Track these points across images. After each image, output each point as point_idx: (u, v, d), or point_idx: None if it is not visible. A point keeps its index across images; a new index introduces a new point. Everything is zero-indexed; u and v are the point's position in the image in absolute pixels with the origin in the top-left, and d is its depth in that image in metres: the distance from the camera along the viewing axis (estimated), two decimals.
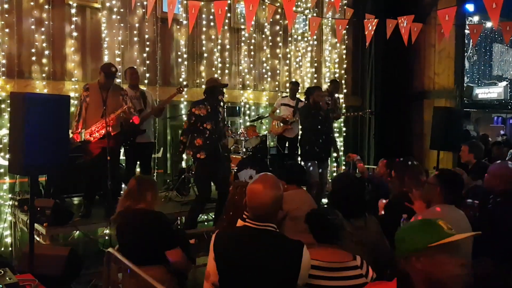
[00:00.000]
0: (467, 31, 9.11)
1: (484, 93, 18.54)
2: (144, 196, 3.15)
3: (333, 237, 2.57)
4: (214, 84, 5.39)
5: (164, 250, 3.05)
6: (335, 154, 7.33)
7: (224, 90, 7.78)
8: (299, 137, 6.92)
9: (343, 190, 3.25)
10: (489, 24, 14.62)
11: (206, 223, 6.36)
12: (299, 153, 6.97)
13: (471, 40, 13.08)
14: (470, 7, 9.15)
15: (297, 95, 7.67)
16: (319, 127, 6.29)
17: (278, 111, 7.59)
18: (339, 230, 2.60)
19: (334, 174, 8.82)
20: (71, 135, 5.14)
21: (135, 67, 6.40)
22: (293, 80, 8.26)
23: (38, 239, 4.81)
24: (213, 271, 2.29)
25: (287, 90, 8.10)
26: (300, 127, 6.97)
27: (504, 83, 18.74)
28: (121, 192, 6.33)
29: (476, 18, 15.32)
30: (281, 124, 7.40)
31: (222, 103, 5.66)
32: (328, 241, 2.56)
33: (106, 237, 5.12)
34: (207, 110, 5.21)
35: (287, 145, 7.39)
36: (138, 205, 3.13)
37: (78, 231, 5.18)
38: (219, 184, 5.46)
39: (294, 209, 3.54)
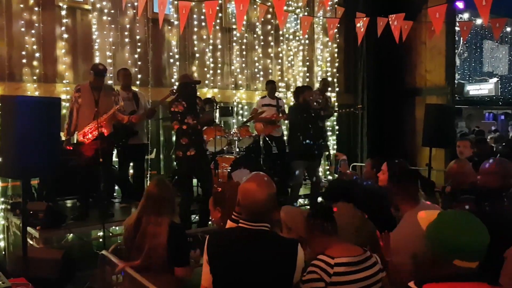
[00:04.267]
0: (457, 28, 9.15)
1: (475, 89, 18.69)
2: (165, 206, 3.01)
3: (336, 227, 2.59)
4: (185, 81, 5.37)
5: (175, 266, 2.96)
6: (327, 153, 7.35)
7: (217, 90, 7.88)
8: (287, 135, 6.93)
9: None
10: (479, 21, 14.73)
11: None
12: (287, 151, 7.00)
13: (461, 37, 13.16)
14: (460, 4, 9.21)
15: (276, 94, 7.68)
16: (310, 125, 6.31)
17: (259, 111, 7.49)
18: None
19: (328, 173, 8.86)
20: (63, 138, 5.13)
21: (127, 68, 6.37)
22: (269, 79, 8.26)
23: (31, 242, 4.78)
24: (206, 276, 2.25)
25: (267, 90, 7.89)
26: (286, 125, 6.96)
27: (494, 80, 18.89)
28: (114, 194, 6.34)
29: (466, 15, 15.42)
30: (268, 125, 7.36)
31: (213, 103, 5.69)
32: (334, 232, 2.56)
33: (100, 239, 5.09)
34: (183, 106, 5.17)
35: (273, 144, 7.38)
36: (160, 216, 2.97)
37: (71, 234, 5.16)
38: (204, 180, 5.46)
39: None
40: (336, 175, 7.37)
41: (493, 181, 3.39)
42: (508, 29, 19.84)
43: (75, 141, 5.22)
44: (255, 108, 7.54)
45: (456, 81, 12.13)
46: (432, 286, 1.69)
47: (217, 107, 6.66)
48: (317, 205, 2.77)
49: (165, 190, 3.05)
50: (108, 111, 5.08)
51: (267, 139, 7.29)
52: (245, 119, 7.94)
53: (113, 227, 5.41)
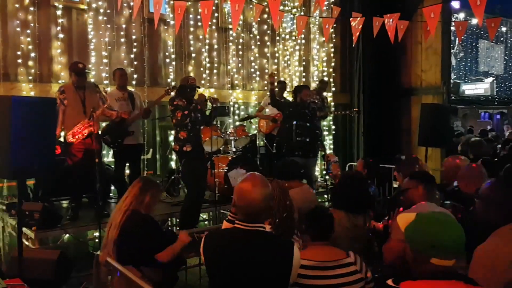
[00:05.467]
0: (453, 28, 9.18)
1: (471, 89, 18.75)
2: (143, 198, 3.13)
3: (329, 234, 2.63)
4: (183, 83, 5.52)
5: (154, 253, 3.00)
6: (323, 153, 7.36)
7: (213, 90, 7.88)
8: (283, 133, 6.94)
9: (348, 187, 3.34)
10: (474, 21, 14.78)
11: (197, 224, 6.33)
12: (283, 150, 7.01)
13: (457, 37, 13.22)
14: (455, 4, 9.25)
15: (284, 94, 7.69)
16: (308, 124, 6.32)
17: (267, 110, 7.56)
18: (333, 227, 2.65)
19: (324, 172, 8.86)
20: None
21: (123, 68, 6.35)
22: (280, 79, 8.28)
23: (26, 243, 4.77)
24: None
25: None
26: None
27: (490, 79, 18.97)
28: (110, 194, 6.33)
29: (462, 15, 15.48)
30: (270, 123, 7.40)
31: (209, 104, 5.72)
32: (325, 238, 2.60)
33: (96, 240, 5.09)
34: (184, 102, 5.30)
35: (274, 143, 7.40)
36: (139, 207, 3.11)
37: (67, 234, 5.15)
38: (201, 180, 5.49)
39: (305, 207, 3.58)
40: (327, 177, 7.39)
41: (464, 186, 3.42)
42: (504, 28, 19.94)
43: (63, 142, 5.20)
44: (262, 106, 7.60)
45: (451, 81, 12.18)
46: (409, 284, 1.72)
47: (214, 107, 6.65)
48: (315, 209, 2.79)
49: (134, 185, 3.20)
50: (97, 110, 5.08)
51: (264, 140, 7.30)
52: (240, 119, 7.98)
53: None
